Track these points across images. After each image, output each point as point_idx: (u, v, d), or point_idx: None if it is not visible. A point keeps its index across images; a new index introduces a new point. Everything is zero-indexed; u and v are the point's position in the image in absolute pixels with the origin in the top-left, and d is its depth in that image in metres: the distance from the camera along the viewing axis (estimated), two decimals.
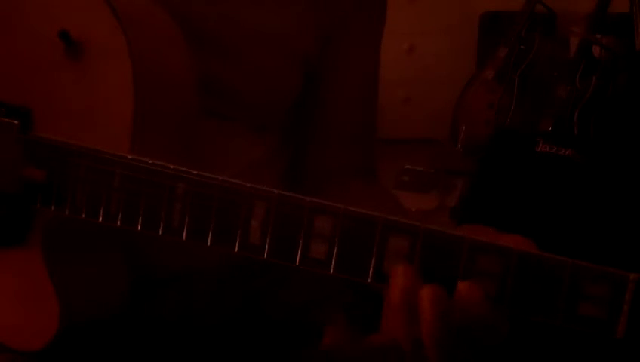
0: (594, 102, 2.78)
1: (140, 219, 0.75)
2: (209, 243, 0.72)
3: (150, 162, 0.74)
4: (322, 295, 1.02)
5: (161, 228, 0.74)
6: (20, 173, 0.80)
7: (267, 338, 1.01)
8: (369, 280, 0.67)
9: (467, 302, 0.64)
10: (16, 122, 0.82)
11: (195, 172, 0.73)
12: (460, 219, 2.52)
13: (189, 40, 0.87)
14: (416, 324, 0.65)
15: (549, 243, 0.67)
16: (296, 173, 1.07)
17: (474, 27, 3.30)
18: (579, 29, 2.89)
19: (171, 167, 0.74)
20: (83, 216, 0.78)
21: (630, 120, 2.58)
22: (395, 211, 1.02)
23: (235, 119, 0.97)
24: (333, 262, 0.68)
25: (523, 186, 2.24)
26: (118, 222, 0.76)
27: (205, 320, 0.98)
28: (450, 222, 2.62)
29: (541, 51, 3.07)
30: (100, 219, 0.77)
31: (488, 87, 3.06)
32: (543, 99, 2.90)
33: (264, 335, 1.01)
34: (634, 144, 2.38)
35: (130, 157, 0.75)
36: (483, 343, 0.66)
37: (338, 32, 1.03)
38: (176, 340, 0.97)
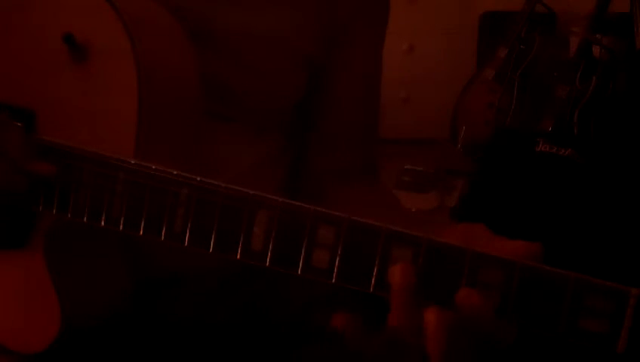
0: (594, 102, 2.78)
1: (143, 223, 0.75)
2: (211, 250, 0.72)
3: (153, 167, 0.74)
4: (322, 295, 1.02)
5: (164, 233, 0.74)
6: (26, 168, 0.79)
7: (268, 338, 1.01)
8: (371, 290, 0.67)
9: (469, 308, 0.64)
10: (19, 124, 0.82)
11: (198, 178, 0.72)
12: (460, 219, 2.52)
13: (191, 41, 0.87)
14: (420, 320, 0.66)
15: (548, 243, 0.67)
16: (298, 175, 1.07)
17: (474, 27, 3.30)
18: (579, 29, 2.89)
19: (175, 172, 0.73)
20: (85, 219, 0.78)
21: (630, 120, 2.59)
22: (395, 213, 1.02)
23: (237, 121, 0.97)
24: (335, 271, 0.68)
25: (523, 186, 2.24)
26: (121, 227, 0.76)
27: (206, 321, 0.98)
28: (451, 222, 2.61)
29: (541, 51, 3.07)
30: (103, 223, 0.77)
31: (488, 87, 3.06)
32: (543, 99, 2.90)
33: (265, 335, 1.01)
34: (634, 144, 2.38)
35: (133, 162, 0.75)
36: (487, 348, 0.66)
37: (340, 33, 1.03)
38: (177, 341, 0.97)
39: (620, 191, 2.08)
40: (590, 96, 2.78)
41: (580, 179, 2.20)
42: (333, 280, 0.68)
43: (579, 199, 2.13)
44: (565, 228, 2.02)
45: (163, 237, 0.74)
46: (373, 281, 0.67)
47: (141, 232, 0.75)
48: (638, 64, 2.68)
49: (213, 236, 0.72)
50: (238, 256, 0.71)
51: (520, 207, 2.16)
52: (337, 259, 0.68)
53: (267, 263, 0.70)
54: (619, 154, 2.32)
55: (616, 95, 2.79)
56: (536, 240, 0.67)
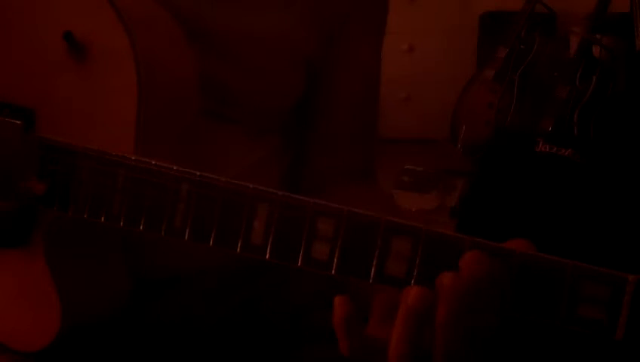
0: (594, 103, 2.78)
1: (143, 219, 0.75)
2: (211, 244, 0.72)
3: (153, 163, 0.75)
4: (322, 295, 1.02)
5: (164, 228, 0.74)
6: (19, 185, 0.80)
7: (267, 338, 1.01)
8: (371, 281, 0.67)
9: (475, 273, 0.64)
10: (18, 122, 0.82)
11: (198, 173, 0.73)
12: (460, 219, 2.53)
13: (191, 41, 0.87)
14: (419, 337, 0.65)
15: (548, 243, 0.68)
16: (297, 174, 1.07)
17: (474, 27, 3.31)
18: (579, 29, 2.90)
19: (174, 168, 0.74)
20: (86, 216, 0.78)
21: (630, 120, 2.59)
22: (393, 212, 1.02)
23: (236, 121, 0.97)
24: (335, 263, 0.68)
25: (523, 186, 2.24)
26: (121, 223, 0.76)
27: (206, 321, 0.98)
28: (450, 222, 2.62)
29: (541, 51, 3.08)
30: (103, 220, 0.77)
31: (488, 87, 3.07)
32: (543, 99, 2.90)
33: (264, 335, 1.01)
34: (634, 144, 2.38)
35: (133, 158, 0.76)
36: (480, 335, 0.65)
37: (339, 32, 1.02)
38: (176, 341, 0.97)
39: (619, 191, 2.08)
40: (590, 96, 2.78)
41: (579, 179, 2.20)
42: (333, 272, 0.68)
43: (579, 199, 2.13)
44: (565, 228, 2.02)
45: (163, 233, 0.74)
46: (372, 272, 0.67)
47: (141, 228, 0.75)
48: (638, 64, 2.68)
49: (213, 231, 0.72)
50: (239, 250, 0.71)
51: (520, 207, 2.16)
52: (337, 250, 0.68)
53: (267, 256, 0.70)
54: (619, 154, 2.32)
55: (616, 95, 2.79)
56: (537, 240, 0.67)
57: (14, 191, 0.80)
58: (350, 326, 0.68)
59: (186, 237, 0.73)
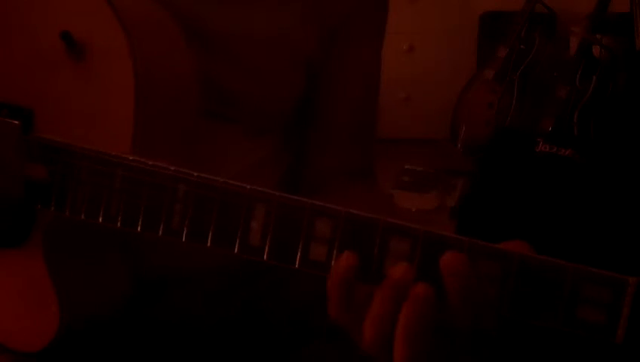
0: (594, 102, 2.78)
1: (140, 220, 0.75)
2: (209, 245, 0.72)
3: (151, 163, 0.74)
4: (322, 295, 1.02)
5: (161, 229, 0.74)
6: (22, 172, 0.79)
7: (267, 339, 1.01)
8: (369, 282, 0.67)
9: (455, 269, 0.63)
10: (17, 122, 0.82)
11: (195, 173, 0.72)
12: (460, 220, 2.53)
13: (190, 42, 0.87)
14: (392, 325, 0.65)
15: (548, 244, 0.67)
16: (297, 175, 1.07)
17: (474, 27, 3.32)
18: (579, 29, 2.90)
19: (172, 168, 0.73)
20: (83, 216, 0.78)
21: (630, 120, 2.59)
22: (392, 213, 1.02)
23: (236, 121, 0.97)
24: (333, 264, 0.68)
25: (523, 186, 2.24)
26: (118, 223, 0.76)
27: (206, 321, 0.98)
28: (450, 223, 2.62)
29: (541, 51, 3.08)
30: (100, 220, 0.77)
31: (488, 87, 3.07)
32: (543, 99, 2.91)
33: (264, 336, 1.01)
34: (634, 144, 2.38)
35: (131, 158, 0.75)
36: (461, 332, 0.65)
37: (339, 32, 1.02)
38: (176, 341, 0.97)
39: (619, 191, 2.08)
40: (590, 96, 2.79)
41: (580, 179, 2.20)
42: None
43: (579, 199, 2.13)
44: (565, 228, 2.02)
45: (161, 233, 0.74)
46: (371, 273, 0.67)
47: (139, 229, 0.75)
48: (638, 64, 2.69)
49: (210, 231, 0.72)
50: (236, 251, 0.71)
51: (520, 207, 2.16)
52: (335, 252, 0.68)
53: (265, 257, 0.70)
54: (619, 154, 2.32)
55: (616, 95, 2.80)
56: (537, 240, 0.67)
57: (16, 187, 0.80)
58: (348, 283, 0.67)
59: (184, 238, 0.73)
